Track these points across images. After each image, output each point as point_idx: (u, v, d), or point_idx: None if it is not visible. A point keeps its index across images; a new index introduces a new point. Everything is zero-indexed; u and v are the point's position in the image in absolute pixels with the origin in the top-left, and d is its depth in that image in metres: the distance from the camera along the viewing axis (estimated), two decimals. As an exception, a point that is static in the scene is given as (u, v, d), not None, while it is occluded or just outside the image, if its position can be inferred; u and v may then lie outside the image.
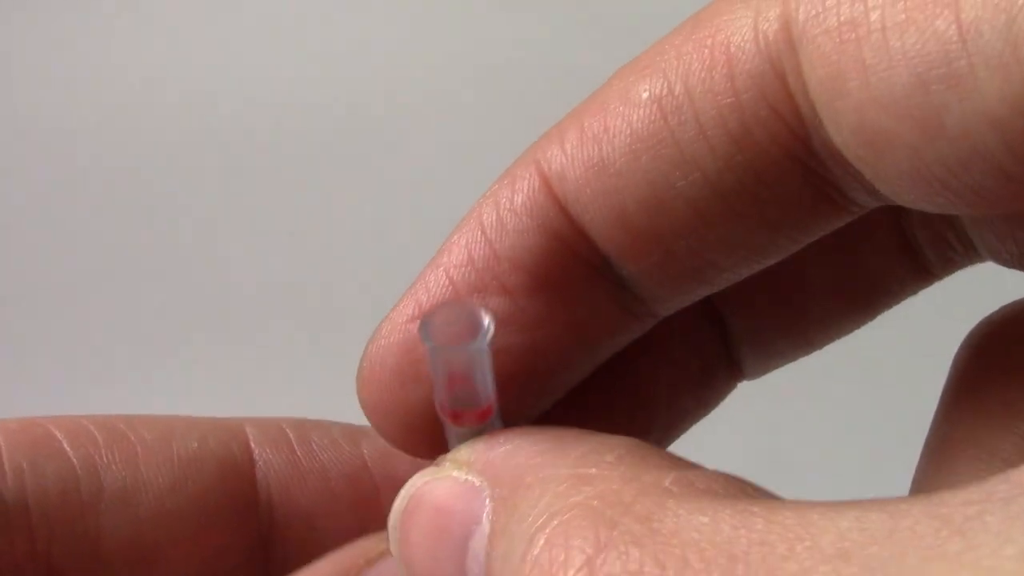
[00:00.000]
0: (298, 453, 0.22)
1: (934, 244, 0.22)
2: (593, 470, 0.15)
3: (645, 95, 0.17)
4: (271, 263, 0.78)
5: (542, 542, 0.15)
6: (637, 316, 0.20)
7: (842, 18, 0.15)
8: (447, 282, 0.19)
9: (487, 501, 0.17)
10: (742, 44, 0.17)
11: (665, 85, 0.17)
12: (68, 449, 0.20)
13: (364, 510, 0.22)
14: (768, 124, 0.17)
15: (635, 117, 0.17)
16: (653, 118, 0.17)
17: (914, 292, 0.23)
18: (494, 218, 0.19)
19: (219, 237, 0.79)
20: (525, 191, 0.18)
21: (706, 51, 0.17)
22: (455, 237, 0.19)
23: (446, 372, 0.18)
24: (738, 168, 0.17)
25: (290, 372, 0.71)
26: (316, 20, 0.82)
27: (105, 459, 0.20)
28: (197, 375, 0.71)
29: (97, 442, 0.21)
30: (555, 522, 0.15)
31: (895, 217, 0.22)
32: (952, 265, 0.22)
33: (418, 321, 0.18)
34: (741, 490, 0.15)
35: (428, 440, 0.20)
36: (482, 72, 0.78)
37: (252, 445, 0.22)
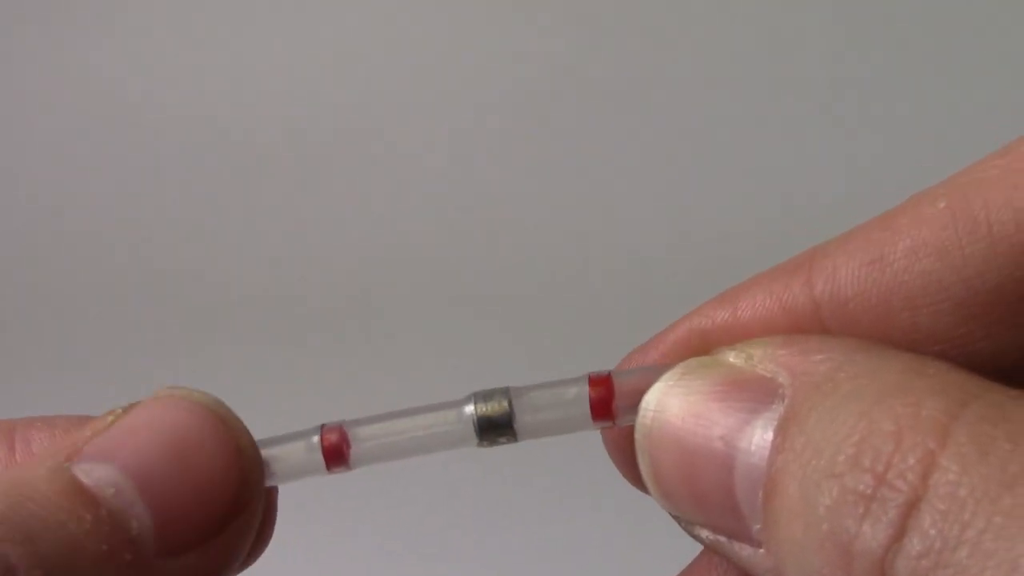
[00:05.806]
0: (17, 453, 0.20)
1: None
2: (930, 369, 0.15)
3: (942, 204, 0.17)
4: (267, 268, 0.78)
5: (883, 409, 0.14)
6: None
7: None
8: (686, 330, 0.19)
9: (780, 388, 0.16)
10: None
11: (963, 198, 0.17)
12: None
13: None
14: None
15: (925, 223, 0.17)
16: (944, 224, 0.17)
17: None
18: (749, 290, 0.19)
19: (218, 241, 0.79)
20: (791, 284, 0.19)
21: (1015, 175, 0.17)
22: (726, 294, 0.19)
23: None
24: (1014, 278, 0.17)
25: (296, 373, 0.71)
26: (317, 28, 0.83)
27: None
28: (199, 377, 0.71)
29: None
30: (898, 398, 0.14)
31: None
32: None
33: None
34: None
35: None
36: (480, 76, 0.78)
37: None
